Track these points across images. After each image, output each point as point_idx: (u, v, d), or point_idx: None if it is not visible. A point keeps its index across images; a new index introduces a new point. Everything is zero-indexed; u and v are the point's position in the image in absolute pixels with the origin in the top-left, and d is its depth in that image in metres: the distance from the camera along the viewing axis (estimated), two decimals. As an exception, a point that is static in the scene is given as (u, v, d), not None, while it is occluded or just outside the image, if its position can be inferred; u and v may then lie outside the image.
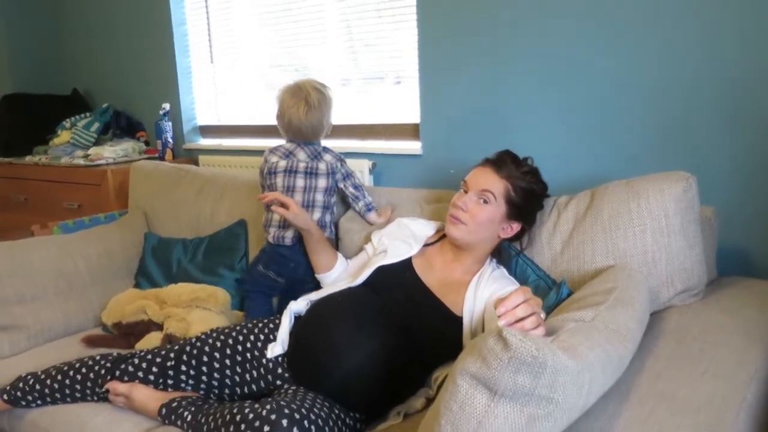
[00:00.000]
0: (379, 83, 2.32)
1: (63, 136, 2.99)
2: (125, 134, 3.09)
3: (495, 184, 1.46)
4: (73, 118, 3.06)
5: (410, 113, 2.21)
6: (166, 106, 2.83)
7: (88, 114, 3.11)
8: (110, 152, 2.79)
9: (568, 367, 0.82)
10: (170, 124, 2.83)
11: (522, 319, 0.95)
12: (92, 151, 2.82)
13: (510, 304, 0.96)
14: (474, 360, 0.87)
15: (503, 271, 1.52)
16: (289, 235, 1.77)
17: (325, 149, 1.82)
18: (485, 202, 1.46)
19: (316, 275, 1.73)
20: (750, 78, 1.55)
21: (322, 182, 1.77)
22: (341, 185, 1.83)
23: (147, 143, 3.05)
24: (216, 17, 2.80)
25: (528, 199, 1.48)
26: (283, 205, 1.65)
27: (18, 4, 3.31)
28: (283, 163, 1.78)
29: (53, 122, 3.13)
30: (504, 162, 1.49)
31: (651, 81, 1.68)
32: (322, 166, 1.78)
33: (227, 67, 2.82)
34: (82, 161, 2.74)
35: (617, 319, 1.05)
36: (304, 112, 1.75)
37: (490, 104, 1.98)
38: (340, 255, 1.74)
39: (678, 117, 1.66)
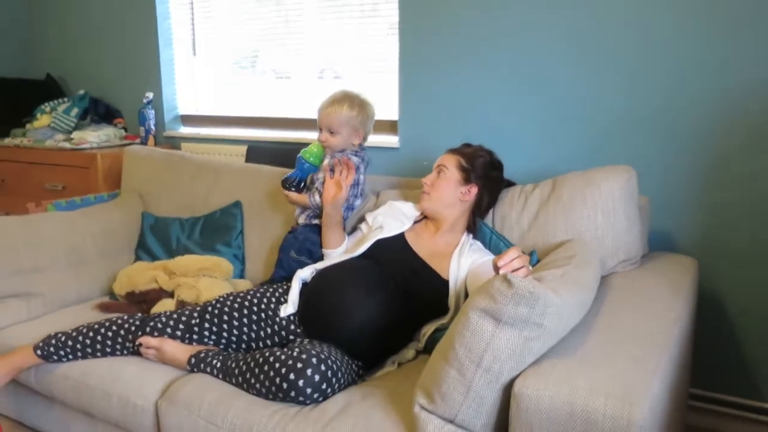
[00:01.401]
0: (357, 80, 2.58)
1: (42, 120, 3.08)
2: (103, 120, 3.20)
3: (448, 158, 1.84)
4: (52, 103, 3.15)
5: (389, 110, 2.49)
6: (150, 94, 2.98)
7: (65, 99, 3.20)
8: (93, 137, 2.92)
9: (554, 301, 1.12)
10: (153, 112, 2.99)
11: (517, 269, 1.26)
12: (75, 135, 2.94)
13: (508, 258, 1.26)
14: (483, 298, 1.15)
15: (480, 245, 1.82)
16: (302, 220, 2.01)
17: None
18: (441, 173, 1.81)
19: (324, 250, 1.95)
20: (678, 93, 1.92)
21: None
22: None
23: (125, 129, 3.18)
24: (199, 11, 2.98)
25: (475, 162, 1.81)
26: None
27: (-8, -12, 3.35)
28: None
29: (27, 106, 3.20)
30: (457, 146, 1.89)
31: (603, 90, 2.03)
32: None
33: (208, 59, 3.00)
34: (67, 144, 2.86)
35: (580, 275, 1.37)
36: None
37: (463, 104, 2.28)
38: (346, 234, 1.99)
39: (622, 121, 2.02)
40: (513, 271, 1.26)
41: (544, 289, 1.12)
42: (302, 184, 1.97)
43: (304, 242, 1.97)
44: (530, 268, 1.31)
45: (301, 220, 2.03)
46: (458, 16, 2.23)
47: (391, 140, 2.47)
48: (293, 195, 1.97)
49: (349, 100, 1.95)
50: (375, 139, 2.50)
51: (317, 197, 1.93)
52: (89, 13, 3.27)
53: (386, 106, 2.47)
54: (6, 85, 3.26)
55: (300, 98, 2.78)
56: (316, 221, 2.00)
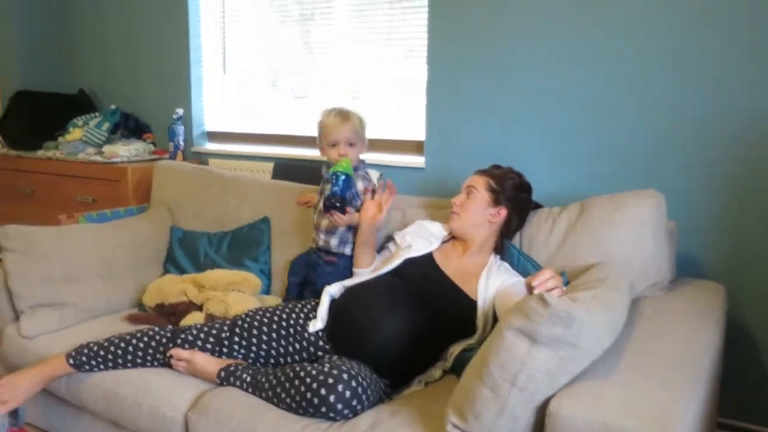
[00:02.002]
0: (382, 102, 2.62)
1: (75, 134, 3.15)
2: (133, 135, 3.27)
3: (477, 180, 1.86)
4: (84, 117, 3.24)
5: (416, 131, 2.52)
6: (180, 111, 3.04)
7: (97, 114, 3.28)
8: (124, 151, 2.98)
9: (589, 321, 1.13)
10: (182, 128, 3.05)
11: (551, 289, 1.27)
12: (106, 149, 3.00)
13: (542, 278, 1.27)
14: (517, 317, 1.17)
15: (507, 266, 1.84)
16: (334, 242, 2.00)
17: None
18: (471, 194, 1.83)
19: (355, 269, 1.97)
20: (705, 115, 1.93)
21: None
22: None
23: (154, 144, 3.25)
24: (231, 30, 3.05)
25: (504, 184, 1.83)
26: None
27: (31, 7, 3.45)
28: None
29: (59, 120, 3.29)
30: (486, 167, 1.90)
31: (628, 114, 2.05)
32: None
33: (237, 77, 3.07)
34: (99, 158, 2.92)
35: (611, 298, 1.38)
36: None
37: (488, 127, 2.31)
38: (377, 255, 2.00)
39: (648, 144, 2.03)
40: (547, 291, 1.27)
41: (580, 310, 1.13)
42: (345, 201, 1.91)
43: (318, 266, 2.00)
44: (564, 288, 1.33)
45: (348, 250, 2.00)
46: (483, 39, 2.27)
47: (417, 161, 2.51)
48: (345, 217, 1.88)
49: (351, 113, 1.99)
50: (401, 159, 2.54)
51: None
52: (122, 30, 3.36)
53: (404, 126, 2.52)
54: (40, 99, 3.34)
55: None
56: (348, 250, 2.00)
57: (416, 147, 2.54)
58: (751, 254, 1.92)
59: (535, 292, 1.24)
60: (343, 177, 1.86)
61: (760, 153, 1.86)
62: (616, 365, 1.23)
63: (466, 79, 2.33)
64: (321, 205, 2.00)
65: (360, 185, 1.95)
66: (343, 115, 1.97)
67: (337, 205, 1.83)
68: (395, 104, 2.61)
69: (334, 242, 1.99)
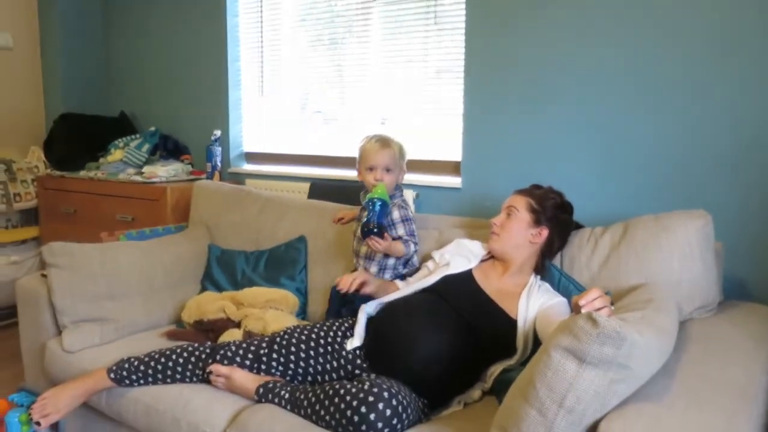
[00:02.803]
0: (417, 123, 2.64)
1: (116, 155, 3.24)
2: (171, 156, 3.35)
3: (517, 200, 1.84)
4: (125, 139, 3.32)
5: (452, 151, 2.52)
6: (218, 132, 3.10)
7: (137, 135, 3.37)
8: (163, 171, 3.04)
9: (641, 342, 1.10)
10: (220, 149, 3.10)
11: (599, 309, 1.24)
12: (146, 169, 3.07)
13: (590, 297, 1.25)
14: (565, 336, 1.14)
15: (548, 286, 1.81)
16: (374, 269, 2.00)
17: None
18: (511, 214, 1.82)
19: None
20: (749, 131, 1.89)
21: None
22: None
23: (192, 165, 3.31)
24: (269, 54, 3.11)
25: (545, 204, 1.80)
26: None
27: (76, 33, 3.59)
28: None
29: (101, 141, 3.38)
30: (525, 187, 1.89)
31: (669, 131, 2.02)
32: None
33: (275, 100, 3.12)
34: (139, 178, 2.99)
35: (660, 319, 1.34)
36: None
37: (525, 146, 2.30)
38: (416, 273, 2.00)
39: (690, 162, 1.99)
40: (595, 310, 1.24)
41: (631, 330, 1.10)
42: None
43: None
44: (612, 308, 1.30)
45: (374, 270, 2.00)
46: (522, 61, 2.27)
47: (453, 181, 2.50)
48: (384, 243, 1.84)
49: (391, 140, 2.02)
50: (438, 180, 2.53)
51: (412, 246, 1.94)
52: (162, 55, 3.46)
53: (439, 146, 2.54)
54: (83, 121, 3.45)
55: (354, 139, 2.84)
56: (388, 276, 1.99)
57: (453, 167, 2.54)
58: (802, 278, 1.86)
59: (583, 311, 1.21)
60: (379, 203, 1.84)
61: (811, 173, 1.81)
62: (668, 389, 1.19)
63: (503, 99, 2.33)
64: (359, 231, 2.02)
65: (396, 214, 1.95)
66: (384, 141, 2.00)
67: (375, 231, 1.81)
68: (430, 125, 2.62)
69: (373, 269, 2.00)
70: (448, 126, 2.56)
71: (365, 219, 1.84)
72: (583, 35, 2.15)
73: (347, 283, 1.76)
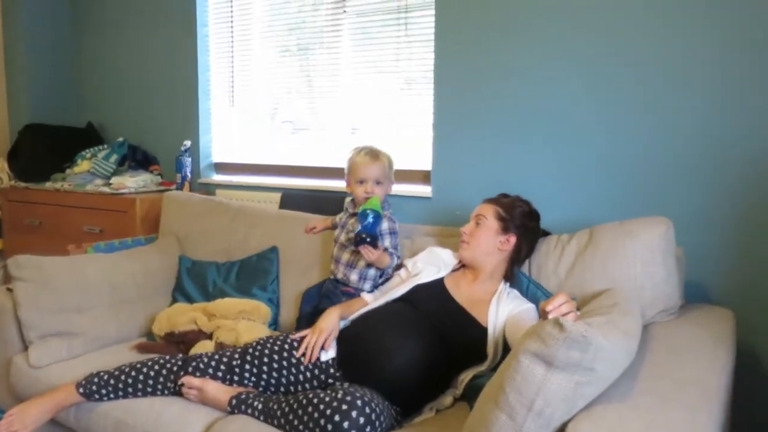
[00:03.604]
0: (386, 132, 2.66)
1: (83, 166, 3.19)
2: (140, 167, 3.31)
3: (486, 208, 1.88)
4: (92, 149, 3.28)
5: (422, 161, 2.55)
6: (188, 143, 3.08)
7: (105, 146, 3.32)
8: (132, 182, 3.01)
9: (606, 345, 1.14)
10: (190, 159, 3.08)
11: (565, 314, 1.28)
12: (114, 180, 3.03)
13: (557, 303, 1.28)
14: (533, 341, 1.17)
15: (517, 293, 1.84)
16: (354, 276, 2.02)
17: None
18: (480, 222, 1.86)
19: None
20: (711, 140, 1.97)
21: None
22: None
23: (161, 176, 3.28)
24: (239, 64, 3.11)
25: (513, 212, 1.85)
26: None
27: (42, 41, 3.53)
28: None
29: (68, 152, 3.33)
30: (494, 196, 1.93)
31: (632, 139, 2.09)
32: None
33: (245, 110, 3.12)
34: (107, 189, 2.95)
35: (624, 323, 1.38)
36: None
37: (494, 157, 2.34)
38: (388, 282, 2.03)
39: (654, 170, 2.06)
40: (562, 315, 1.28)
41: (596, 334, 1.13)
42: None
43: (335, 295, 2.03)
44: (578, 313, 1.33)
45: (367, 286, 2.02)
46: (489, 71, 2.32)
47: (424, 190, 2.53)
48: (376, 252, 1.86)
49: (381, 153, 2.06)
50: (408, 189, 2.56)
51: (395, 259, 1.99)
52: (130, 64, 3.42)
53: (409, 155, 2.58)
54: (49, 132, 3.39)
55: (325, 149, 2.89)
56: (368, 286, 2.01)
57: (423, 176, 2.57)
58: (759, 280, 1.93)
59: (550, 316, 1.24)
60: (373, 215, 1.88)
61: None
62: (632, 389, 1.23)
63: (473, 109, 2.37)
64: (342, 237, 2.06)
65: (385, 225, 1.98)
66: (374, 154, 2.03)
67: (368, 240, 1.84)
68: (401, 134, 2.65)
69: (354, 277, 2.01)
70: (418, 135, 2.59)
71: (359, 228, 1.88)
72: (546, 47, 2.21)
73: (311, 353, 1.73)
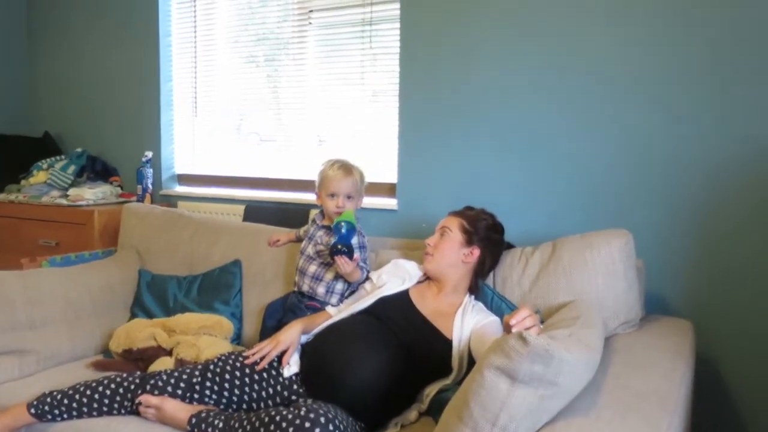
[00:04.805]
0: (351, 145, 2.66)
1: (39, 177, 3.09)
2: (99, 178, 3.22)
3: (451, 220, 1.89)
4: (49, 160, 3.18)
5: (387, 173, 2.55)
6: (149, 153, 3.02)
7: (62, 157, 3.23)
8: (90, 194, 2.93)
9: (569, 359, 1.14)
10: (151, 170, 3.02)
11: (529, 328, 1.28)
12: (72, 192, 2.95)
13: (520, 316, 1.28)
14: (497, 356, 1.17)
15: (482, 305, 1.85)
16: (321, 289, 2.00)
17: None
18: (444, 234, 1.86)
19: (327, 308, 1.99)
20: (672, 158, 2.01)
21: None
22: None
23: (121, 187, 3.20)
24: (203, 73, 3.07)
25: (477, 225, 1.86)
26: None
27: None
28: None
29: (23, 162, 3.23)
30: (459, 209, 1.94)
31: (594, 154, 2.12)
32: None
33: (208, 120, 3.08)
34: (64, 201, 2.86)
35: (587, 336, 1.39)
36: None
37: (459, 169, 2.35)
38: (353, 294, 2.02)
39: (615, 184, 2.10)
40: (525, 329, 1.28)
41: (559, 347, 1.14)
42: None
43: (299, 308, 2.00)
44: (541, 327, 1.34)
45: (334, 300, 2.01)
46: (456, 84, 2.34)
47: (389, 203, 2.53)
48: (352, 263, 1.87)
49: (353, 168, 2.06)
50: (374, 202, 2.55)
51: (365, 273, 1.99)
52: (90, 72, 3.35)
53: (374, 168, 2.55)
54: (3, 142, 3.29)
55: (290, 160, 2.86)
56: (334, 300, 2.01)
57: (388, 189, 2.56)
58: (717, 290, 1.97)
59: (514, 330, 1.24)
60: (347, 227, 1.88)
61: (727, 193, 1.94)
62: (595, 402, 1.23)
63: (438, 121, 2.38)
64: (309, 249, 2.04)
65: (355, 239, 1.96)
66: (346, 168, 2.02)
67: (344, 251, 1.84)
68: (366, 146, 2.64)
69: (320, 290, 1.99)
70: (383, 147, 2.59)
71: (334, 240, 1.88)
72: (509, 61, 2.23)
73: (262, 361, 1.70)
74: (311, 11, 2.72)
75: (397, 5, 2.45)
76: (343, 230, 1.87)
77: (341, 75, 2.67)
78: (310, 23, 2.73)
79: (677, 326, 1.79)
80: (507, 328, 1.32)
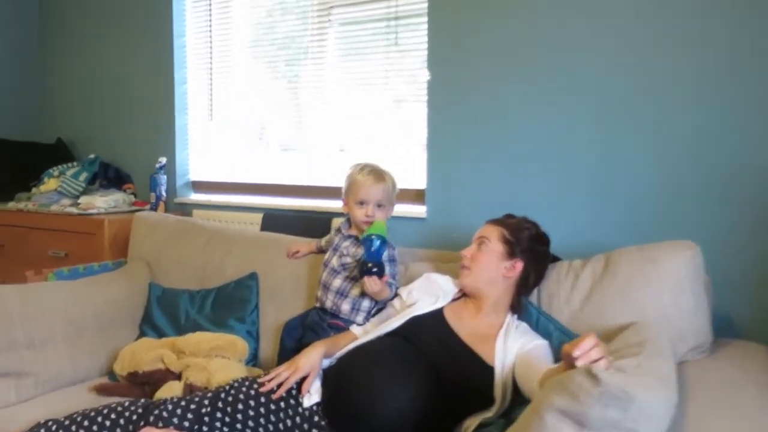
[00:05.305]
0: (375, 150, 2.47)
1: (50, 184, 2.97)
2: (112, 185, 3.08)
3: (490, 230, 1.68)
4: (61, 167, 3.06)
5: (415, 179, 2.35)
6: (163, 160, 2.87)
7: (75, 163, 3.11)
8: (102, 202, 2.79)
9: (651, 402, 0.93)
10: (165, 177, 2.87)
11: (595, 360, 1.06)
12: (83, 200, 2.81)
13: (585, 347, 1.07)
14: (561, 396, 0.96)
15: (526, 326, 1.63)
16: (346, 306, 1.82)
17: None
18: (483, 245, 1.65)
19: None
20: (738, 160, 1.79)
21: None
22: None
23: (135, 195, 3.06)
24: (218, 76, 2.92)
25: (519, 235, 1.65)
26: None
27: (6, 52, 3.33)
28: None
29: (34, 170, 3.11)
30: (499, 217, 1.73)
31: (649, 159, 1.90)
32: None
33: (224, 125, 2.92)
34: (74, 209, 2.72)
35: (659, 368, 1.18)
36: None
37: (495, 174, 2.15)
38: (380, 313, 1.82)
39: (673, 191, 1.87)
40: (591, 362, 1.07)
41: (638, 387, 0.93)
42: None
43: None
44: (610, 358, 1.12)
45: (360, 319, 1.82)
46: (487, 88, 2.14)
47: (417, 210, 2.33)
48: (381, 284, 1.70)
49: (385, 173, 1.88)
50: (399, 209, 2.35)
51: (393, 290, 1.80)
52: (103, 77, 3.23)
53: (400, 173, 2.34)
54: (13, 148, 3.18)
55: (310, 166, 2.69)
56: (360, 318, 1.82)
57: (416, 195, 2.36)
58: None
59: (578, 363, 1.04)
60: (379, 241, 1.69)
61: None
62: (678, 451, 1.02)
63: (469, 124, 2.18)
64: (334, 261, 1.86)
65: (384, 254, 1.76)
66: (377, 174, 1.84)
67: (374, 270, 1.67)
68: (391, 151, 2.45)
69: (345, 307, 1.80)
70: (410, 152, 2.40)
71: (365, 256, 1.69)
72: (551, 57, 2.03)
73: (279, 389, 1.52)
74: (332, 7, 2.55)
75: (426, -3, 2.26)
76: (375, 246, 1.67)
77: (365, 77, 2.49)
78: (330, 20, 2.56)
79: (753, 352, 1.55)
80: (567, 360, 1.11)
